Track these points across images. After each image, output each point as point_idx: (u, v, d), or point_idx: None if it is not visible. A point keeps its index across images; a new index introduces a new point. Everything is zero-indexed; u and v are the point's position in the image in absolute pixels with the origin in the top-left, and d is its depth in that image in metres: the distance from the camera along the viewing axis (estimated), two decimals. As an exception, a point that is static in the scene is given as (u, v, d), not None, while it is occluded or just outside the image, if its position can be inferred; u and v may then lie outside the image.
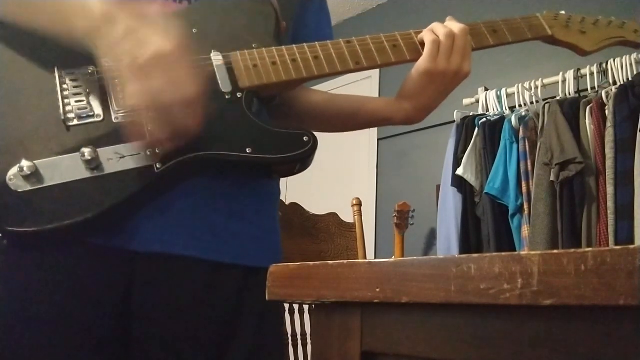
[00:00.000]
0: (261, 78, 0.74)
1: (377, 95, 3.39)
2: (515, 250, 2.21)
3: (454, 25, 0.80)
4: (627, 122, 2.04)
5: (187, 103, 0.64)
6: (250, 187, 0.77)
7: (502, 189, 2.32)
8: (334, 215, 1.66)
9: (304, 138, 0.73)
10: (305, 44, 0.77)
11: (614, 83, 2.21)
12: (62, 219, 0.63)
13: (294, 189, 3.66)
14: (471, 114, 2.60)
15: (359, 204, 1.76)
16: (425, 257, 0.48)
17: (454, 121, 2.64)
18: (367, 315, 0.53)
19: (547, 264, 0.39)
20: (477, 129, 2.49)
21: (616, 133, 2.06)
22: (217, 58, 0.73)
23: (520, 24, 0.85)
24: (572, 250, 0.38)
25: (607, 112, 2.11)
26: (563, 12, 0.89)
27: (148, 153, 0.66)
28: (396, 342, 0.50)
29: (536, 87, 2.44)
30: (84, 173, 0.65)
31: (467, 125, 2.55)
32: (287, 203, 1.57)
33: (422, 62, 0.79)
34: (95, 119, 0.67)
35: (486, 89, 2.66)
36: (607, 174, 2.06)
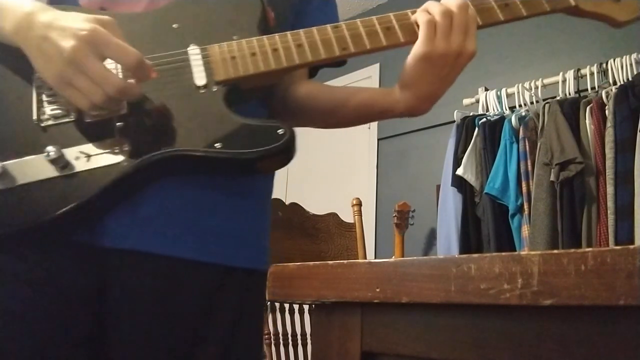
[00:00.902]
0: (238, 70, 0.71)
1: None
2: (515, 250, 2.21)
3: (451, 1, 0.73)
4: (627, 122, 2.04)
5: (134, 66, 0.64)
6: (230, 183, 0.75)
7: (502, 189, 2.32)
8: (334, 215, 1.66)
9: (279, 131, 0.68)
10: (289, 32, 0.73)
11: (614, 83, 2.21)
12: (28, 218, 0.64)
13: (294, 189, 3.66)
14: (471, 114, 2.60)
15: (359, 204, 1.76)
16: (425, 257, 0.48)
17: (454, 121, 2.64)
18: (367, 315, 0.53)
19: (547, 264, 0.39)
20: (477, 129, 2.49)
21: (616, 133, 2.05)
22: (194, 52, 0.71)
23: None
24: (572, 250, 0.38)
25: (607, 112, 2.11)
26: None
27: (116, 151, 0.66)
28: (396, 342, 0.50)
29: (536, 87, 2.44)
30: (52, 172, 0.65)
31: (467, 125, 2.55)
32: (287, 203, 1.57)
33: (418, 46, 0.72)
34: (69, 119, 0.68)
35: (486, 89, 2.66)
36: (607, 174, 2.06)
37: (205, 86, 0.70)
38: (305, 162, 3.66)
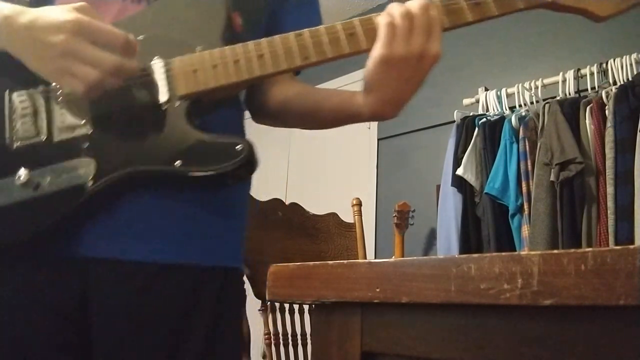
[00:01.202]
0: (199, 84, 0.71)
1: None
2: (515, 250, 2.21)
3: (413, 3, 0.70)
4: (627, 122, 2.04)
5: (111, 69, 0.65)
6: (199, 193, 0.75)
7: (502, 189, 2.32)
8: (334, 215, 1.66)
9: (237, 147, 0.69)
10: (251, 42, 0.72)
11: (614, 83, 2.21)
12: (3, 239, 0.68)
13: (294, 189, 3.66)
14: (471, 114, 2.59)
15: (359, 204, 1.76)
16: (425, 257, 0.48)
17: (454, 121, 2.64)
18: (367, 315, 0.53)
19: (547, 264, 0.39)
20: (477, 129, 2.49)
21: (616, 133, 2.06)
22: (158, 66, 0.72)
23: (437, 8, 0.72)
24: (572, 250, 0.38)
25: (607, 112, 2.11)
26: None
27: (82, 171, 0.68)
28: (396, 342, 0.50)
29: (536, 87, 2.44)
30: (24, 194, 0.68)
31: (467, 125, 2.55)
32: (287, 203, 1.57)
33: (376, 49, 0.70)
34: (39, 139, 0.70)
35: (486, 89, 2.66)
36: (607, 174, 2.06)
37: (167, 101, 0.71)
38: (305, 162, 3.66)
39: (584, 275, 0.37)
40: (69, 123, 0.70)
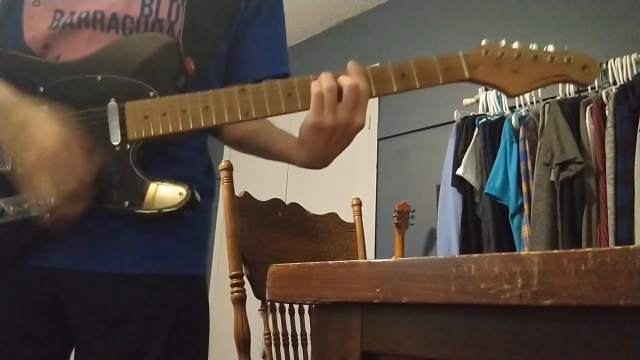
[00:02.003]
0: (149, 130, 0.77)
1: (376, 107, 3.39)
2: (515, 250, 2.21)
3: (344, 79, 0.77)
4: (627, 122, 2.04)
5: (73, 190, 0.73)
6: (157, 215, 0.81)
7: (502, 189, 2.32)
8: (334, 215, 1.66)
9: (180, 192, 0.77)
10: (199, 93, 0.78)
11: (614, 83, 2.21)
12: None
13: (294, 189, 3.66)
14: (471, 114, 2.59)
15: (359, 204, 1.76)
16: (425, 257, 0.48)
17: (454, 121, 2.64)
18: (367, 315, 0.53)
19: (547, 264, 0.39)
20: (477, 129, 2.49)
21: (616, 133, 2.05)
22: (112, 109, 0.78)
23: (435, 66, 0.79)
24: (572, 250, 0.38)
25: (607, 112, 2.11)
26: (502, 44, 0.81)
27: (41, 202, 0.75)
28: (396, 342, 0.50)
29: (536, 87, 2.44)
30: None
31: (467, 125, 2.55)
32: (287, 203, 1.57)
33: (309, 115, 0.77)
34: (4, 169, 0.76)
35: (486, 89, 2.66)
36: (607, 174, 2.06)
37: (119, 144, 0.78)
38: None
39: (584, 275, 0.37)
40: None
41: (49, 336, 0.80)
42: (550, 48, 0.83)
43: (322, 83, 0.77)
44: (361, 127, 0.79)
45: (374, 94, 0.79)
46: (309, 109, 0.78)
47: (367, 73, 0.78)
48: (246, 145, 0.99)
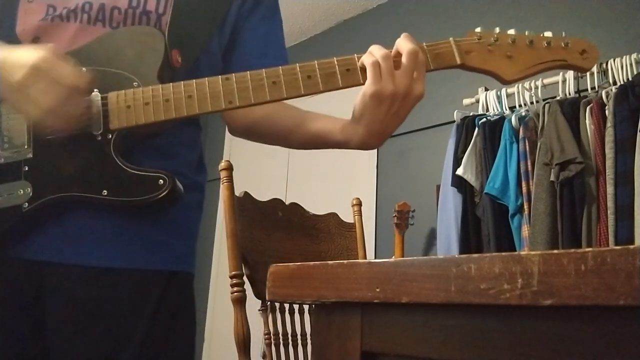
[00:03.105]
0: (131, 119, 0.77)
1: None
2: (515, 250, 2.21)
3: (403, 43, 0.76)
4: (627, 122, 2.04)
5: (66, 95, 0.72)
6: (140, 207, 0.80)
7: (502, 189, 2.32)
8: (334, 215, 1.65)
9: (159, 181, 0.76)
10: (183, 82, 0.78)
11: (614, 83, 2.21)
12: None
13: (294, 189, 3.66)
14: (471, 114, 2.59)
15: (359, 204, 1.75)
16: (425, 257, 0.48)
17: (454, 121, 2.64)
18: (367, 315, 0.53)
19: (547, 264, 0.39)
20: (477, 129, 2.49)
21: (616, 133, 2.05)
22: (95, 99, 0.78)
23: (423, 52, 0.78)
24: (572, 250, 0.38)
25: (607, 112, 2.11)
26: (496, 31, 0.79)
27: (20, 192, 0.76)
28: (396, 342, 0.50)
29: (536, 87, 2.44)
30: None
31: (467, 125, 2.55)
32: (287, 203, 1.57)
33: (368, 85, 0.76)
34: None
35: (486, 89, 2.66)
36: (607, 174, 2.06)
37: (100, 134, 0.77)
38: (305, 162, 3.66)
39: (584, 275, 0.37)
40: (15, 145, 0.78)
41: (32, 336, 0.79)
42: (548, 34, 0.80)
43: (374, 53, 0.76)
44: (421, 96, 0.77)
45: (431, 67, 0.78)
46: (294, 96, 0.78)
47: (416, 50, 0.76)
48: (259, 133, 0.96)
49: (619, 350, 0.38)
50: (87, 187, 0.76)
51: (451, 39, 0.79)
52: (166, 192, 0.76)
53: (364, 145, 0.83)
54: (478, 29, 0.79)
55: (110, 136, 0.77)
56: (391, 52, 0.76)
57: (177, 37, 0.83)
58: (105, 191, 0.76)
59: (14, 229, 0.77)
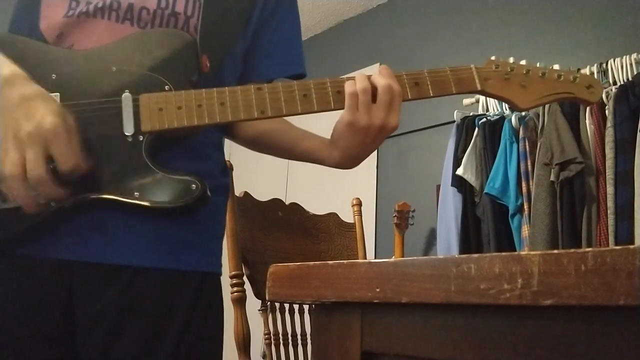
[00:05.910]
0: (164, 122, 0.77)
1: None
2: (515, 250, 2.21)
3: (377, 79, 0.79)
4: (627, 122, 2.04)
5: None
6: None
7: (502, 189, 2.32)
8: (334, 215, 1.65)
9: (192, 186, 0.76)
10: (215, 89, 0.78)
11: (614, 83, 2.21)
12: None
13: (294, 189, 3.66)
14: (471, 114, 2.60)
15: (359, 204, 1.76)
16: (425, 257, 0.48)
17: (454, 121, 2.64)
18: (367, 315, 0.53)
19: (547, 264, 0.39)
20: (477, 129, 2.49)
21: (616, 133, 2.05)
22: (126, 100, 0.77)
23: (447, 76, 0.82)
24: (572, 250, 0.38)
25: (607, 112, 2.11)
26: (511, 61, 0.84)
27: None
28: (396, 342, 0.50)
29: (536, 87, 2.44)
30: None
31: (467, 125, 2.55)
32: (287, 203, 1.57)
33: (344, 114, 0.79)
34: None
35: (486, 89, 2.66)
36: (607, 174, 2.06)
37: (132, 135, 0.76)
38: (306, 162, 3.66)
39: (584, 275, 0.37)
40: None
41: (62, 337, 0.78)
42: (556, 67, 0.88)
43: (356, 83, 0.79)
44: (395, 128, 0.80)
45: (409, 97, 0.81)
46: (324, 110, 0.80)
47: (389, 83, 0.80)
48: (262, 144, 0.99)
49: (619, 350, 0.38)
50: (118, 188, 0.76)
51: (472, 66, 0.83)
52: (199, 196, 0.76)
53: (339, 166, 0.88)
54: (493, 57, 0.85)
55: (141, 138, 0.77)
56: (370, 87, 0.79)
57: (207, 42, 0.83)
58: (137, 193, 0.76)
59: (42, 225, 0.75)
